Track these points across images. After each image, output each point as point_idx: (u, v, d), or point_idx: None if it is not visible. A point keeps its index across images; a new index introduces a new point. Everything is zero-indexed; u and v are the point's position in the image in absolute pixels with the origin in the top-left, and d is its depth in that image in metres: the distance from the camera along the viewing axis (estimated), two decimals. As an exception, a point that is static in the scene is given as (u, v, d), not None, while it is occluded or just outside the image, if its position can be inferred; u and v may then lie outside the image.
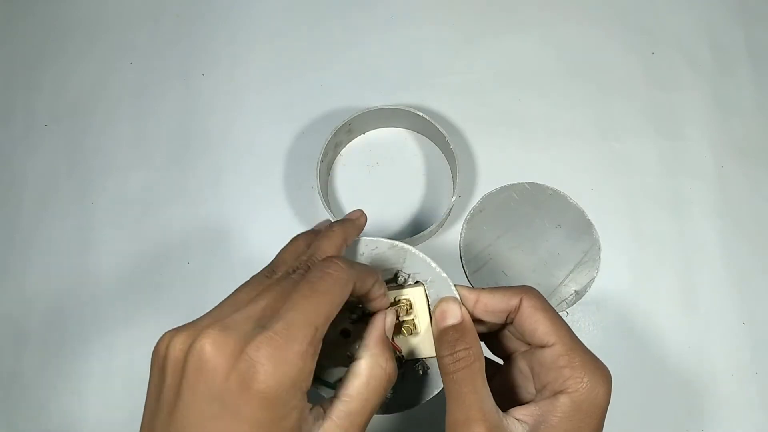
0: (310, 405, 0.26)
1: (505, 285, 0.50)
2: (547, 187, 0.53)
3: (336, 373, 0.34)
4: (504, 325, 0.34)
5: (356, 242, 0.34)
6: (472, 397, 0.29)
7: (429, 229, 0.49)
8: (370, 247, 0.33)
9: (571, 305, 0.50)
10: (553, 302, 0.50)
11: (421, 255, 0.33)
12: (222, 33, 0.60)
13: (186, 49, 0.60)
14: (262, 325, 0.25)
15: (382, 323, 0.31)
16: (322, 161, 0.50)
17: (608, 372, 0.30)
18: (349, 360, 0.32)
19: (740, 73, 0.55)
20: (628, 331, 0.50)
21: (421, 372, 0.34)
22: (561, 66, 0.56)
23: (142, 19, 0.61)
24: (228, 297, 0.28)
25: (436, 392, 0.34)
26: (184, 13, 0.61)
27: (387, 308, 0.32)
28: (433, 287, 0.33)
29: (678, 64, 0.56)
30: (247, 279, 0.30)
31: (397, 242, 0.33)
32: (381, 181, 0.54)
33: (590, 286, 0.50)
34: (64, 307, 0.54)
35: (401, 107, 0.51)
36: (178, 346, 0.25)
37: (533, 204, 0.52)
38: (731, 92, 0.55)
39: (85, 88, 0.60)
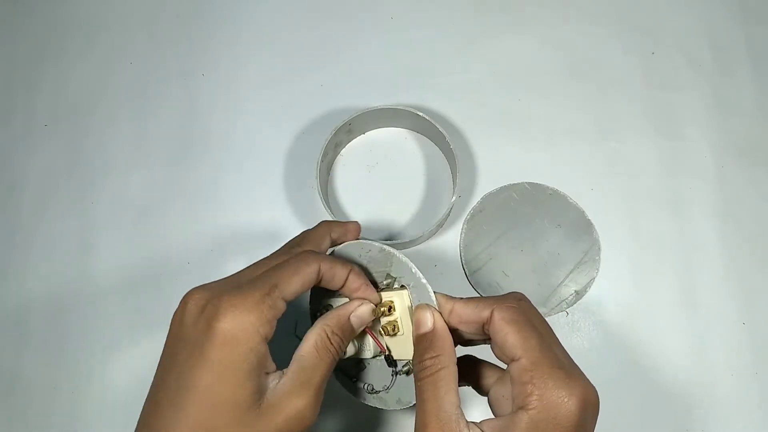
0: (274, 365, 0.29)
1: (505, 285, 0.50)
2: (547, 187, 0.53)
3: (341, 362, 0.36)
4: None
5: (354, 245, 0.36)
6: (432, 404, 0.29)
7: (429, 229, 0.49)
8: (365, 250, 0.36)
9: (571, 305, 0.50)
10: (553, 302, 0.50)
11: (404, 260, 0.34)
12: (222, 33, 0.60)
13: (186, 49, 0.60)
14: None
15: (351, 307, 0.33)
16: (322, 161, 0.50)
17: (580, 388, 0.28)
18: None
19: (740, 73, 0.55)
20: (628, 331, 0.50)
21: (405, 373, 0.35)
22: (561, 66, 0.56)
23: (142, 19, 0.61)
24: None
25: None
26: (184, 13, 0.61)
27: (370, 301, 0.34)
28: (415, 292, 0.34)
29: (678, 64, 0.56)
30: None
31: (385, 246, 0.34)
32: (381, 181, 0.54)
33: (590, 286, 0.50)
34: (64, 307, 0.54)
35: (401, 107, 0.51)
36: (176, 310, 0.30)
37: (533, 204, 0.52)
38: (731, 92, 0.55)
39: (85, 88, 0.60)
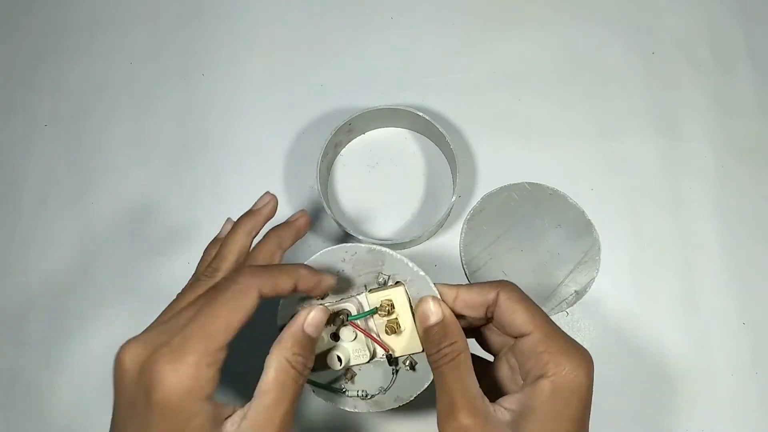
0: (230, 408, 0.28)
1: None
2: (547, 187, 0.53)
3: (328, 375, 0.36)
4: (488, 321, 0.35)
5: (337, 250, 0.35)
6: (457, 386, 0.30)
7: (429, 229, 0.49)
8: (350, 253, 0.35)
9: (571, 305, 0.50)
10: (553, 302, 0.50)
11: (398, 256, 0.34)
12: (222, 33, 0.60)
13: (186, 49, 0.60)
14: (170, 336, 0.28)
15: (302, 318, 0.31)
16: (322, 161, 0.50)
17: (587, 355, 0.30)
18: (339, 362, 0.34)
19: (740, 73, 0.55)
20: (628, 331, 0.50)
21: (409, 367, 0.36)
22: (561, 66, 0.56)
23: (142, 19, 0.61)
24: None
25: (426, 385, 0.35)
26: (184, 13, 0.61)
27: (318, 305, 0.33)
28: (413, 286, 0.34)
29: (678, 64, 0.56)
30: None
31: (374, 246, 0.34)
32: (381, 181, 0.54)
33: (590, 286, 0.50)
34: (64, 307, 0.54)
35: (401, 107, 0.51)
36: (116, 354, 0.28)
37: (533, 204, 0.52)
38: (731, 92, 0.55)
39: (85, 88, 0.60)
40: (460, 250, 0.52)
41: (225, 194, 0.55)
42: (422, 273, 0.34)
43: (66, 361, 0.52)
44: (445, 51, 0.57)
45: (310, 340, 0.31)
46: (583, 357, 0.30)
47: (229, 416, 0.28)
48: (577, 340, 0.49)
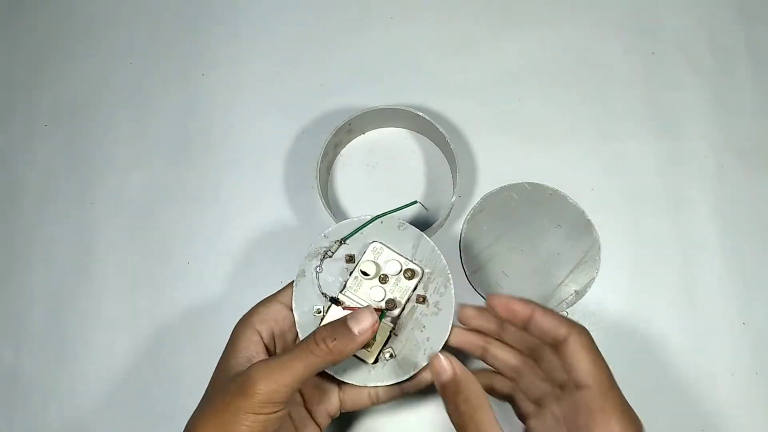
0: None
1: (505, 285, 0.50)
2: (547, 187, 0.53)
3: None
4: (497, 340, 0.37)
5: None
6: None
7: (428, 230, 0.49)
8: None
9: (571, 305, 0.50)
10: (553, 302, 0.50)
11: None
12: (222, 33, 0.60)
13: (186, 49, 0.60)
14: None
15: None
16: (322, 161, 0.50)
17: (638, 420, 0.31)
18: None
19: (740, 73, 0.55)
20: (628, 331, 0.50)
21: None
22: (561, 66, 0.56)
23: (142, 19, 0.61)
24: None
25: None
26: (184, 13, 0.61)
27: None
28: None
29: (678, 64, 0.56)
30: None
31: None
32: (381, 181, 0.54)
33: (590, 286, 0.50)
34: (64, 307, 0.54)
35: (401, 107, 0.51)
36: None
37: (533, 204, 0.52)
38: (731, 92, 0.55)
39: (85, 88, 0.60)
40: (460, 250, 0.52)
41: (225, 194, 0.55)
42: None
43: (66, 361, 0.52)
44: (445, 51, 0.57)
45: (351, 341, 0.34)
46: (632, 421, 0.30)
47: None
48: (577, 340, 0.49)
